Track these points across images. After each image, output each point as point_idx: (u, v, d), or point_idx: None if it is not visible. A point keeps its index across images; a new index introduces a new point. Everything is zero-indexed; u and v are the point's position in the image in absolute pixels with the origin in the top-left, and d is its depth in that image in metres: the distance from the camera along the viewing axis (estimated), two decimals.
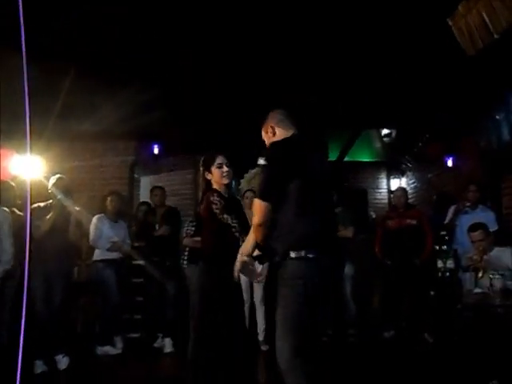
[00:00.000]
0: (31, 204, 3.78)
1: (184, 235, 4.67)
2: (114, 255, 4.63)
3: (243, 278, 3.12)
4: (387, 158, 7.75)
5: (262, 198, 1.94)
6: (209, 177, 2.84)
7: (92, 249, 4.74)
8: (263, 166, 1.99)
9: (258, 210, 1.94)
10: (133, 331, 4.92)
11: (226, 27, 3.41)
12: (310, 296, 1.84)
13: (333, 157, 6.36)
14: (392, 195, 6.34)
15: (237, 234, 2.61)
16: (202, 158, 2.90)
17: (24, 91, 1.13)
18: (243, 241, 2.60)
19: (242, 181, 6.71)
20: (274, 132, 2.18)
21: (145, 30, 3.42)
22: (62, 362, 3.83)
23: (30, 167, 4.05)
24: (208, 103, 4.80)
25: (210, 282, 2.76)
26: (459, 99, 4.67)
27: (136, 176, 6.51)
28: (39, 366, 3.68)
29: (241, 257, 2.16)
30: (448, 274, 3.37)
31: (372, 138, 7.45)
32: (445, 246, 3.53)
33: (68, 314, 4.55)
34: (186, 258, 4.68)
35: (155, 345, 4.67)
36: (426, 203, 6.62)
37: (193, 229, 4.57)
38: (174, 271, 4.74)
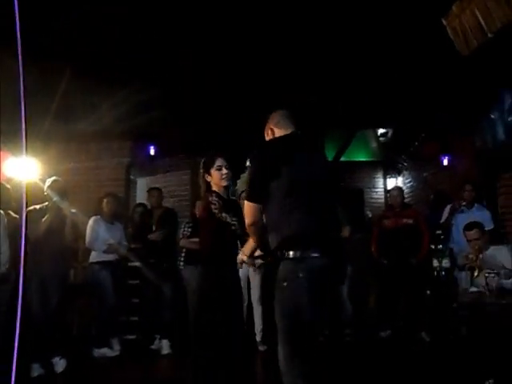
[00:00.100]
0: (27, 206, 3.77)
1: (181, 236, 4.66)
2: (111, 257, 4.62)
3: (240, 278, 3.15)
4: (383, 157, 7.77)
5: (249, 199, 1.98)
6: (208, 179, 2.86)
7: (88, 251, 4.72)
8: (248, 167, 2.04)
9: (246, 210, 2.00)
10: (130, 333, 4.90)
11: (223, 27, 3.41)
12: (305, 296, 1.83)
13: (329, 157, 6.37)
14: (388, 195, 6.36)
15: (238, 231, 2.64)
16: (202, 160, 2.91)
17: (19, 92, 1.13)
18: (244, 238, 2.63)
19: (238, 182, 6.71)
20: (274, 133, 2.18)
21: (141, 30, 3.42)
22: (59, 364, 3.82)
23: (26, 169, 4.03)
24: (204, 103, 4.80)
25: (209, 283, 2.77)
26: (454, 99, 4.69)
27: (132, 177, 6.49)
28: (36, 369, 3.67)
29: (241, 256, 2.19)
30: (444, 273, 3.38)
31: (368, 137, 7.48)
32: (440, 246, 3.54)
33: (64, 316, 4.53)
34: (182, 259, 4.68)
35: (152, 347, 4.66)
36: (423, 202, 6.64)
37: (189, 230, 4.57)
38: (170, 273, 4.73)
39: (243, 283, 4.29)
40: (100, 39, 3.49)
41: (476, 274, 3.17)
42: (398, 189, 5.54)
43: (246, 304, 4.49)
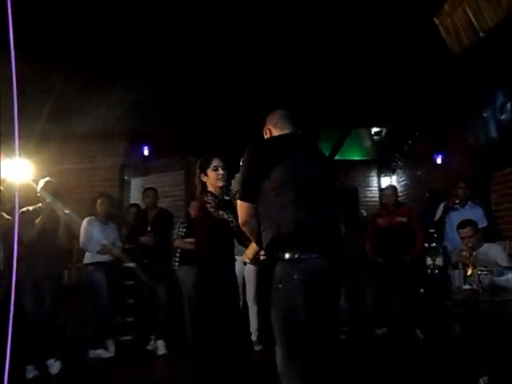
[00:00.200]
0: (20, 208, 3.75)
1: (175, 237, 4.66)
2: (105, 258, 4.61)
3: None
4: (378, 156, 7.80)
5: (241, 198, 1.99)
6: (204, 179, 2.86)
7: (82, 252, 4.70)
8: (241, 166, 2.03)
9: (239, 210, 2.01)
10: (125, 334, 4.89)
11: (221, 27, 3.40)
12: (300, 298, 1.81)
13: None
14: (382, 193, 6.38)
15: (235, 229, 2.64)
16: (199, 161, 2.92)
17: (12, 93, 1.12)
18: (241, 236, 2.64)
19: (232, 182, 6.70)
20: (271, 134, 2.18)
21: (137, 30, 3.40)
22: (54, 366, 3.81)
23: (19, 170, 4.00)
24: (199, 104, 4.79)
25: (206, 284, 2.77)
26: (447, 97, 4.72)
27: (126, 178, 6.48)
28: (30, 371, 3.65)
29: (244, 259, 2.21)
30: (437, 271, 3.40)
31: (362, 136, 7.50)
32: (434, 244, 3.56)
33: (59, 317, 4.52)
34: (177, 259, 4.67)
35: (148, 347, 4.65)
36: (417, 201, 6.68)
37: (184, 230, 4.57)
38: (165, 273, 4.72)
39: (238, 282, 4.30)
40: (96, 39, 3.47)
41: (469, 271, 3.18)
42: (391, 187, 5.56)
43: (241, 303, 4.49)
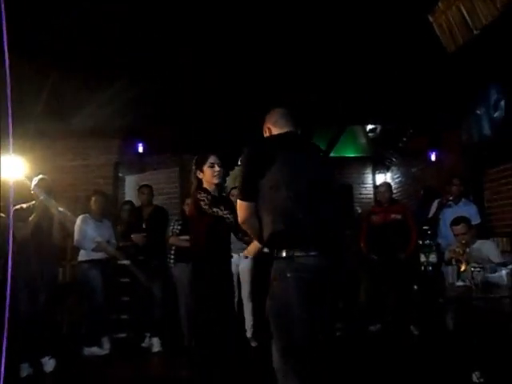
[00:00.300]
0: (13, 205, 3.72)
1: (170, 234, 4.65)
2: (100, 255, 4.59)
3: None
4: (372, 153, 7.82)
5: (240, 197, 2.01)
6: (200, 175, 2.86)
7: (77, 249, 4.69)
8: (240, 165, 2.05)
9: (238, 208, 2.02)
10: (120, 331, 4.88)
11: (220, 25, 3.39)
12: (294, 296, 1.83)
13: None
14: (376, 190, 6.40)
15: (232, 224, 2.65)
16: (195, 157, 2.92)
17: (6, 90, 1.12)
18: (238, 230, 2.65)
19: (227, 178, 6.70)
20: (271, 132, 2.17)
21: (135, 28, 3.38)
22: (49, 364, 3.79)
23: (12, 168, 3.98)
24: (193, 101, 4.78)
25: (202, 281, 2.77)
26: (441, 95, 4.74)
27: (120, 175, 6.46)
28: (25, 369, 3.64)
29: (246, 253, 2.24)
30: (431, 268, 3.42)
31: (357, 133, 7.51)
32: (428, 241, 3.58)
33: (53, 315, 4.51)
34: (172, 257, 4.67)
35: (143, 344, 4.65)
36: (411, 198, 6.71)
37: (179, 227, 4.56)
38: (160, 271, 4.72)
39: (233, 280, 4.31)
40: (94, 37, 3.45)
41: (463, 268, 3.21)
42: (385, 184, 5.58)
43: (236, 300, 4.50)
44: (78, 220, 4.58)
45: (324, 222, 1.93)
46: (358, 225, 5.47)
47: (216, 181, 2.85)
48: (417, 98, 4.89)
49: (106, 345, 4.47)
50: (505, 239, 4.67)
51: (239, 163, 2.04)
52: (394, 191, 6.26)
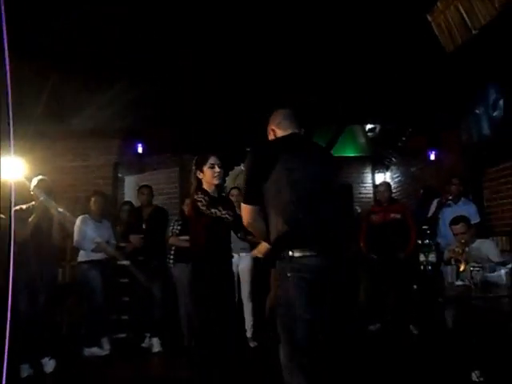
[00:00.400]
0: (13, 206, 3.72)
1: (170, 234, 4.65)
2: (99, 256, 4.59)
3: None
4: (372, 152, 7.82)
5: (244, 201, 2.04)
6: (200, 176, 2.86)
7: (76, 250, 4.69)
8: (244, 168, 2.09)
9: (242, 212, 2.06)
10: (120, 332, 4.88)
11: (220, 27, 3.40)
12: (295, 296, 1.86)
13: None
14: (376, 190, 6.41)
15: (231, 223, 2.67)
16: (196, 158, 2.92)
17: (6, 91, 1.12)
18: (237, 227, 2.68)
19: (227, 178, 6.71)
20: (275, 134, 2.19)
21: (132, 29, 3.39)
22: (49, 364, 3.80)
23: (12, 169, 3.97)
24: (193, 101, 4.78)
25: (201, 282, 2.77)
26: (440, 94, 4.74)
27: (120, 175, 6.46)
28: (25, 370, 3.64)
29: (255, 253, 2.29)
30: (430, 267, 3.42)
31: (356, 133, 7.52)
32: (427, 240, 3.58)
33: (53, 316, 4.51)
34: (172, 257, 4.67)
35: (143, 345, 4.65)
36: (411, 197, 6.71)
37: (178, 228, 4.56)
38: (160, 271, 4.72)
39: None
40: (94, 39, 3.45)
41: (462, 267, 3.21)
42: (385, 184, 5.59)
43: (235, 300, 4.51)
44: (78, 221, 4.58)
45: (324, 222, 1.96)
46: (358, 224, 5.48)
47: (216, 182, 2.85)
48: (416, 98, 4.90)
49: (106, 345, 4.47)
50: (504, 238, 4.67)
51: (242, 167, 2.07)
52: (394, 191, 6.27)
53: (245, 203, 2.03)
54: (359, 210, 7.13)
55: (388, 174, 7.89)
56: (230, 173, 6.79)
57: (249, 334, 4.58)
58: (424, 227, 3.85)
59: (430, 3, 3.12)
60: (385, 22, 3.37)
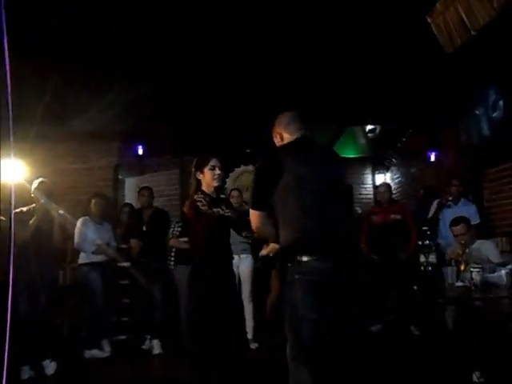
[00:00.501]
0: (14, 208, 3.72)
1: (170, 236, 4.66)
2: (100, 258, 4.60)
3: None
4: (372, 153, 7.82)
5: (252, 207, 2.07)
6: (200, 177, 2.86)
7: (77, 252, 4.70)
8: (253, 173, 2.14)
9: (251, 218, 2.09)
10: (120, 333, 4.89)
11: (216, 25, 3.39)
12: (302, 297, 1.91)
13: None
14: (376, 190, 6.41)
15: (234, 219, 2.68)
16: (196, 159, 2.92)
17: (6, 92, 1.12)
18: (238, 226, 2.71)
19: (227, 180, 6.72)
20: (282, 137, 2.20)
21: (132, 27, 3.38)
22: (50, 366, 3.80)
23: (13, 171, 3.98)
24: (194, 103, 4.79)
25: (200, 282, 2.77)
26: (441, 95, 4.74)
27: (120, 177, 6.46)
28: (26, 372, 3.64)
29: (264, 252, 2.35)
30: (430, 268, 3.42)
31: (356, 134, 7.51)
32: (427, 241, 3.58)
33: (54, 318, 4.51)
34: (172, 259, 4.68)
35: (143, 347, 4.65)
36: (411, 198, 6.71)
37: (179, 229, 4.56)
38: (160, 273, 4.72)
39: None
40: (91, 37, 3.44)
41: (462, 268, 3.21)
42: (385, 185, 5.59)
43: (238, 300, 4.49)
44: (78, 223, 4.58)
45: (334, 226, 2.01)
46: (358, 225, 5.48)
47: (216, 184, 2.85)
48: (416, 99, 4.90)
49: (107, 347, 4.48)
50: (504, 239, 4.67)
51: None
52: (394, 191, 6.27)
53: (253, 209, 2.06)
54: (359, 211, 7.12)
55: (388, 174, 7.89)
56: (230, 174, 6.80)
57: (249, 336, 4.58)
58: (424, 228, 3.85)
59: (429, 4, 3.12)
60: (384, 23, 3.37)
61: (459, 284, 3.14)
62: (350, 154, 7.72)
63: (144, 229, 4.87)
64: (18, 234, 3.66)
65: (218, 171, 2.83)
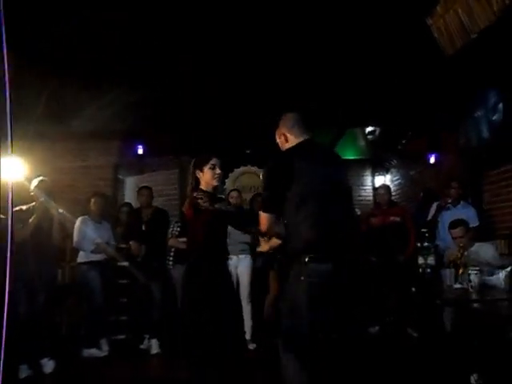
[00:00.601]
0: (13, 207, 3.73)
1: (169, 236, 4.66)
2: (99, 257, 4.60)
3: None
4: (371, 155, 7.82)
5: (263, 209, 2.12)
6: (199, 175, 2.86)
7: (76, 251, 4.70)
8: (263, 176, 2.17)
9: (261, 219, 2.13)
10: (119, 333, 4.89)
11: (220, 32, 3.41)
12: (304, 297, 1.93)
13: None
14: (376, 192, 6.41)
15: (237, 215, 2.70)
16: (196, 158, 2.92)
17: (5, 91, 1.13)
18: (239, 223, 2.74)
19: (226, 180, 6.73)
20: (287, 139, 2.21)
21: (132, 35, 3.40)
22: (48, 365, 3.80)
23: (12, 169, 3.99)
24: (193, 103, 4.80)
25: (196, 281, 2.77)
26: (440, 98, 4.75)
27: (120, 177, 6.47)
28: (24, 371, 3.64)
29: (264, 248, 2.42)
30: (429, 270, 3.43)
31: (356, 135, 7.52)
32: (426, 243, 3.59)
33: (53, 316, 4.51)
34: (171, 258, 4.68)
35: (142, 346, 4.65)
36: (410, 200, 6.71)
37: (178, 229, 4.57)
38: (159, 272, 4.72)
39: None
40: (95, 43, 3.47)
41: (461, 270, 3.21)
42: (384, 187, 5.59)
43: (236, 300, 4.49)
44: (78, 221, 4.59)
45: (341, 228, 2.04)
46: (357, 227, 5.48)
47: (215, 183, 2.86)
48: (416, 101, 4.91)
49: (105, 346, 4.48)
50: (503, 242, 4.67)
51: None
52: (393, 193, 6.27)
53: (264, 212, 2.10)
54: (358, 213, 7.12)
55: (388, 176, 7.89)
56: (230, 175, 6.81)
57: (248, 336, 4.58)
58: (423, 230, 3.85)
59: (429, 7, 3.13)
60: (385, 26, 3.38)
61: (457, 286, 3.14)
62: (349, 155, 7.72)
63: (143, 228, 4.87)
64: (17, 233, 3.66)
65: (218, 170, 2.84)
